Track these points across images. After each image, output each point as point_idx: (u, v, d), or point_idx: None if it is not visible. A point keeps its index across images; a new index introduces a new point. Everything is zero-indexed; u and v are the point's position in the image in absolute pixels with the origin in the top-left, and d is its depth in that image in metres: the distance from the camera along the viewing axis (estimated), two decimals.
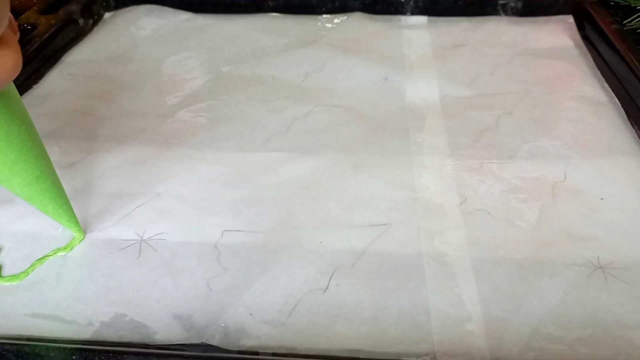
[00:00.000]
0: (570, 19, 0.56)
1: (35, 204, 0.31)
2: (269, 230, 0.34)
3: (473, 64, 0.51)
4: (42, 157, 0.30)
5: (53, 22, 0.53)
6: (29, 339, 0.28)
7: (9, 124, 0.27)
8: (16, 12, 0.55)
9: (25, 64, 0.48)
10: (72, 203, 0.36)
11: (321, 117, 0.44)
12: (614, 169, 0.38)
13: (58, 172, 0.38)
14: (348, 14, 0.59)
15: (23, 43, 0.49)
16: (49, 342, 0.27)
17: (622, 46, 0.48)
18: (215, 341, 0.27)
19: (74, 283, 0.31)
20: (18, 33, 0.26)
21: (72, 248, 0.33)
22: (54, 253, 0.32)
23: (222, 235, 0.33)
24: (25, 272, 0.31)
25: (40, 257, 0.32)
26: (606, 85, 0.47)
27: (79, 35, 0.56)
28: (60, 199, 0.31)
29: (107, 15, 0.60)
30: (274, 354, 0.27)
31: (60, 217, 0.32)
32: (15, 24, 0.25)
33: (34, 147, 0.29)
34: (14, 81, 0.27)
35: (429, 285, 0.30)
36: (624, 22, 0.52)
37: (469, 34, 0.55)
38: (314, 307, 0.29)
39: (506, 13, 0.59)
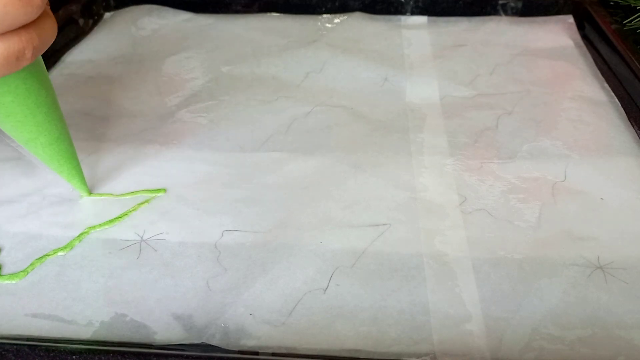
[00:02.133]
0: (570, 19, 0.57)
1: (53, 164, 0.34)
2: (269, 230, 0.34)
3: (473, 64, 0.51)
4: (62, 120, 0.33)
5: None
6: (29, 339, 0.28)
7: (39, 87, 0.30)
8: None
9: None
10: (73, 204, 0.36)
11: (321, 117, 0.44)
12: (614, 169, 0.38)
13: None
14: (348, 14, 0.59)
15: None
16: (48, 342, 0.27)
17: (622, 46, 0.48)
18: (215, 341, 0.27)
19: (74, 283, 0.31)
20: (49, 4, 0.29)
21: (72, 248, 0.33)
22: (54, 253, 0.32)
23: (222, 235, 0.33)
24: (25, 271, 0.31)
25: (40, 256, 0.32)
26: (606, 85, 0.47)
27: (79, 35, 0.56)
28: (74, 160, 0.34)
29: (107, 15, 0.60)
30: (273, 354, 0.27)
31: (73, 178, 0.35)
32: None
33: (57, 110, 0.32)
34: None
35: (429, 285, 0.30)
36: (624, 22, 0.52)
37: (469, 34, 0.55)
38: (314, 307, 0.29)
39: (506, 13, 0.59)
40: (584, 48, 0.52)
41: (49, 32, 0.28)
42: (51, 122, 0.32)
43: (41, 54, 0.28)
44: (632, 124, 0.42)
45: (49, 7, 0.28)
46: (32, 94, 0.30)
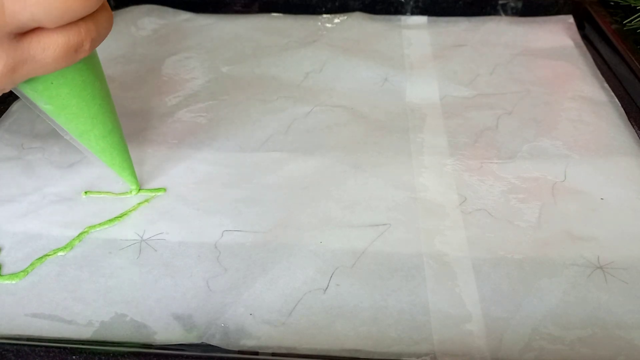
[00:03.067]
0: (570, 19, 0.56)
1: (105, 157, 0.34)
2: (269, 230, 0.34)
3: (473, 64, 0.51)
4: (114, 112, 0.33)
5: None
6: (29, 339, 0.28)
7: (95, 79, 0.30)
8: None
9: None
10: (73, 203, 0.36)
11: (321, 117, 0.44)
12: (614, 169, 0.38)
13: (58, 172, 0.38)
14: (348, 14, 0.59)
15: None
16: (49, 342, 0.27)
17: (622, 46, 0.48)
18: (215, 341, 0.27)
19: (74, 283, 0.31)
20: None
21: (72, 248, 0.33)
22: (54, 253, 0.32)
23: (222, 235, 0.33)
24: (25, 271, 0.31)
25: (40, 256, 0.32)
26: (606, 85, 0.47)
27: None
28: (125, 154, 0.34)
29: None
30: (273, 354, 0.27)
31: (124, 171, 0.35)
32: None
33: (110, 102, 0.32)
34: None
35: (429, 285, 0.30)
36: (624, 22, 0.52)
37: (469, 34, 0.55)
38: (314, 307, 0.29)
39: (506, 13, 0.59)
40: (584, 48, 0.52)
41: (105, 23, 0.28)
42: (105, 114, 0.32)
43: (98, 45, 0.28)
44: (632, 124, 0.42)
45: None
46: (88, 85, 0.30)
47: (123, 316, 0.29)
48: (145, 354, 0.26)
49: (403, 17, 0.59)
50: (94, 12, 0.27)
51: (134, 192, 0.36)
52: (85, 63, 0.29)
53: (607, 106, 0.44)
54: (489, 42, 0.54)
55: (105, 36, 0.28)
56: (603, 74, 0.48)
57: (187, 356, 0.26)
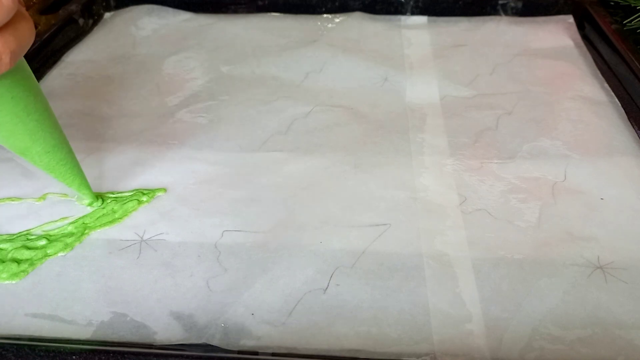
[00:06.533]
0: (570, 19, 0.57)
1: (54, 173, 0.33)
2: (269, 230, 0.34)
3: (473, 64, 0.51)
4: (57, 127, 0.32)
5: (53, 22, 0.53)
6: (29, 339, 0.28)
7: (27, 94, 0.29)
8: None
9: None
10: (73, 203, 0.36)
11: (321, 117, 0.44)
12: (614, 169, 0.38)
13: None
14: (348, 14, 0.59)
15: None
16: (49, 342, 0.27)
17: (622, 46, 0.48)
18: (215, 341, 0.27)
19: (74, 283, 0.31)
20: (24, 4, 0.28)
21: (72, 248, 0.33)
22: (54, 253, 0.32)
23: (222, 235, 0.33)
24: (25, 271, 0.31)
25: (40, 256, 0.32)
26: (606, 85, 0.47)
27: (79, 35, 0.56)
28: (75, 168, 0.33)
29: (107, 15, 0.60)
30: (273, 354, 0.27)
31: (78, 186, 0.34)
32: None
33: (50, 117, 0.31)
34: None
35: (429, 285, 0.30)
36: (624, 22, 0.52)
37: (469, 34, 0.55)
38: (314, 307, 0.29)
39: (506, 13, 0.59)
40: (584, 48, 0.52)
41: (26, 34, 0.26)
42: (45, 130, 0.31)
43: (20, 58, 0.27)
44: (632, 124, 0.42)
45: (23, 8, 0.27)
46: (20, 101, 0.29)
47: (123, 316, 0.29)
48: (145, 354, 0.26)
49: (403, 17, 0.59)
50: (11, 22, 0.25)
51: (95, 205, 0.35)
52: (11, 78, 0.28)
53: (607, 106, 0.44)
54: (489, 42, 0.54)
55: (28, 47, 0.27)
56: (603, 74, 0.48)
57: (187, 356, 0.26)
